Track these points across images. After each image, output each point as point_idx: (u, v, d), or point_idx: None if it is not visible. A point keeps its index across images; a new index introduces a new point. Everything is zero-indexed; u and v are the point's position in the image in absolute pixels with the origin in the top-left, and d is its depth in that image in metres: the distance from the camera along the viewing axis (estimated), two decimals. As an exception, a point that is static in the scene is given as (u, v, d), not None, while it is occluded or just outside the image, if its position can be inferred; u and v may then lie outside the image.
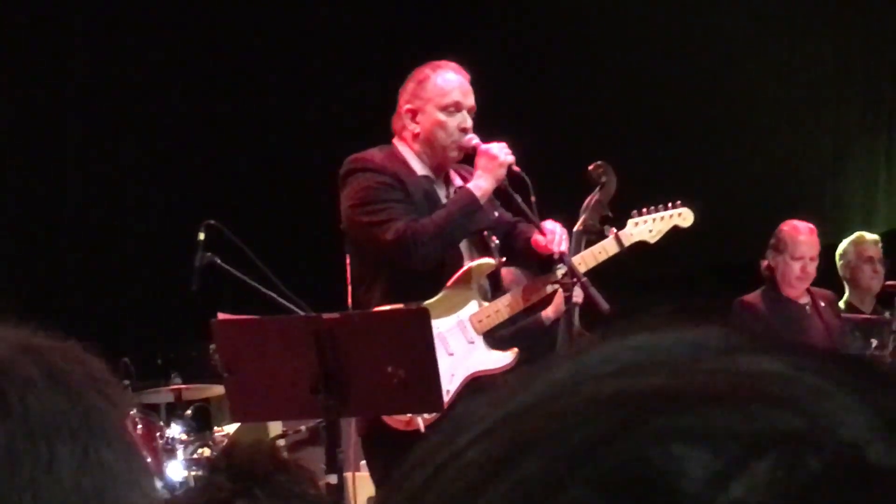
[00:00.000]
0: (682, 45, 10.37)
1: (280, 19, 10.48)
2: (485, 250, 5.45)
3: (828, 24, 10.42)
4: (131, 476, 1.10)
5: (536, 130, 8.90)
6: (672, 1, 10.52)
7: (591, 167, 5.74)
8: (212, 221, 6.18)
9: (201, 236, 6.15)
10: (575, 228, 5.69)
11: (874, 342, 7.15)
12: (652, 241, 5.76)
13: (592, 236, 5.65)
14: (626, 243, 5.65)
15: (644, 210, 5.78)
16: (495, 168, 5.31)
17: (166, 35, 10.27)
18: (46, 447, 1.06)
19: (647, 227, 5.74)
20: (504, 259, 5.52)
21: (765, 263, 7.43)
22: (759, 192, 10.04)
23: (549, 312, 5.98)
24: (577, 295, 5.50)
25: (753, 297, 7.40)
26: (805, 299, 7.35)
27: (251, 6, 10.51)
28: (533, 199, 5.38)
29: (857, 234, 8.07)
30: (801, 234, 7.33)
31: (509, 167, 5.35)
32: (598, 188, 5.71)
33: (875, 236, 8.08)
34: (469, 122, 5.40)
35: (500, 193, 5.47)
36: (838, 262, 7.88)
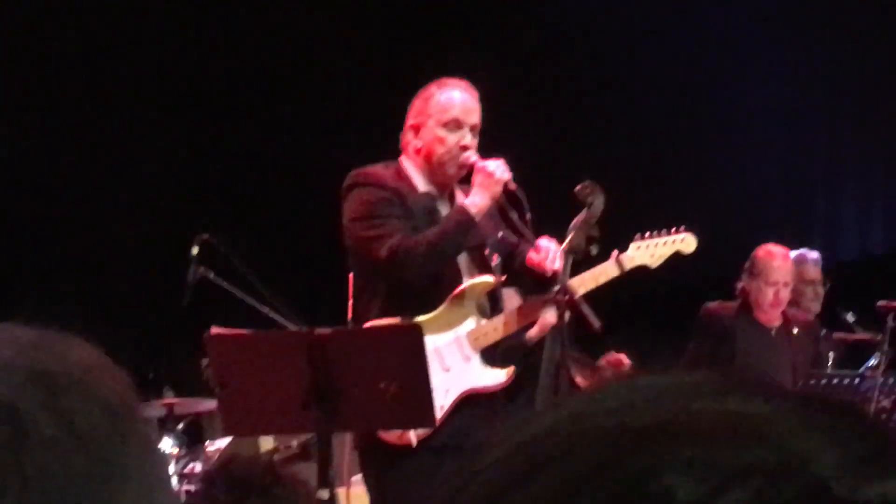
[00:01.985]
0: (675, 63, 10.39)
1: (279, 31, 10.48)
2: (485, 268, 5.47)
3: (820, 39, 10.43)
4: None
5: (532, 148, 8.90)
6: (666, 19, 10.53)
7: (577, 188, 5.74)
8: (205, 236, 6.18)
9: (195, 250, 6.15)
10: (561, 248, 5.70)
11: (872, 361, 7.13)
12: (653, 265, 5.77)
13: (578, 256, 5.65)
14: (627, 267, 5.66)
15: (647, 234, 5.78)
16: (491, 185, 5.33)
17: (162, 44, 10.27)
18: None
19: (648, 251, 5.75)
20: (504, 277, 5.53)
21: (740, 286, 7.43)
22: (750, 210, 10.04)
23: (532, 333, 6.00)
24: (562, 316, 5.50)
25: (724, 307, 7.40)
26: (776, 323, 7.34)
27: (250, 16, 10.50)
28: (528, 216, 5.40)
29: (798, 252, 7.88)
30: (775, 259, 7.32)
31: (505, 184, 5.36)
32: (585, 208, 5.71)
33: (816, 255, 7.96)
34: (468, 140, 5.42)
35: (496, 211, 5.48)
36: None
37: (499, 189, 5.35)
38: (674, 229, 5.85)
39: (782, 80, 10.46)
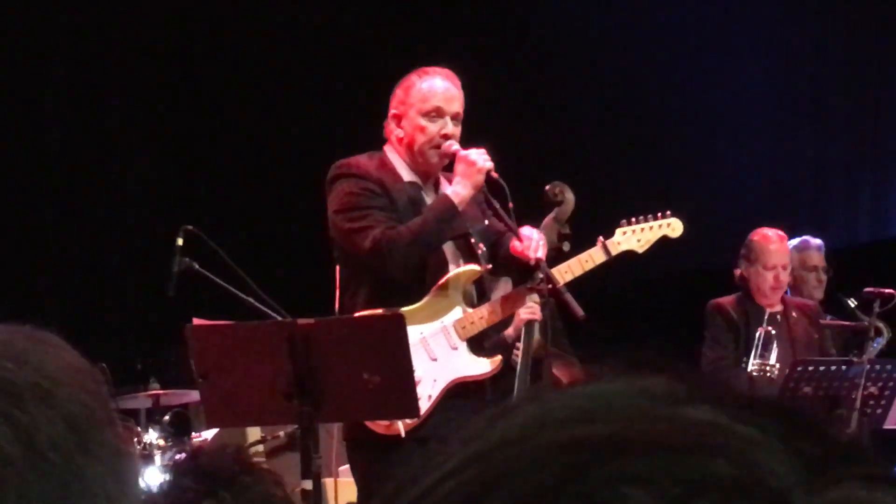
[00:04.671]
0: (663, 53, 10.38)
1: (263, 24, 10.47)
2: (471, 257, 5.47)
3: (809, 30, 10.43)
4: None
5: (515, 138, 8.90)
6: (654, 12, 10.52)
7: (547, 187, 5.75)
8: (190, 227, 6.18)
9: (179, 241, 6.14)
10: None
11: (875, 345, 7.13)
12: (640, 250, 5.77)
13: (551, 253, 5.65)
14: (613, 252, 5.67)
15: (633, 219, 5.79)
16: (473, 174, 5.32)
17: (149, 38, 10.26)
18: None
19: (635, 236, 5.75)
20: (490, 266, 5.52)
21: (738, 273, 7.41)
22: (737, 200, 10.04)
23: (510, 331, 5.99)
24: (536, 312, 5.50)
25: (727, 300, 7.38)
26: (777, 308, 7.32)
27: (233, 12, 10.49)
28: (510, 205, 5.40)
29: (801, 239, 7.87)
30: (771, 243, 7.30)
31: (488, 173, 5.35)
32: (555, 207, 5.72)
33: (819, 241, 7.93)
34: (450, 128, 5.41)
35: (481, 199, 5.47)
36: None
37: (481, 178, 5.34)
38: (659, 214, 5.85)
39: (768, 68, 10.46)
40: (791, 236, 7.62)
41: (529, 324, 5.51)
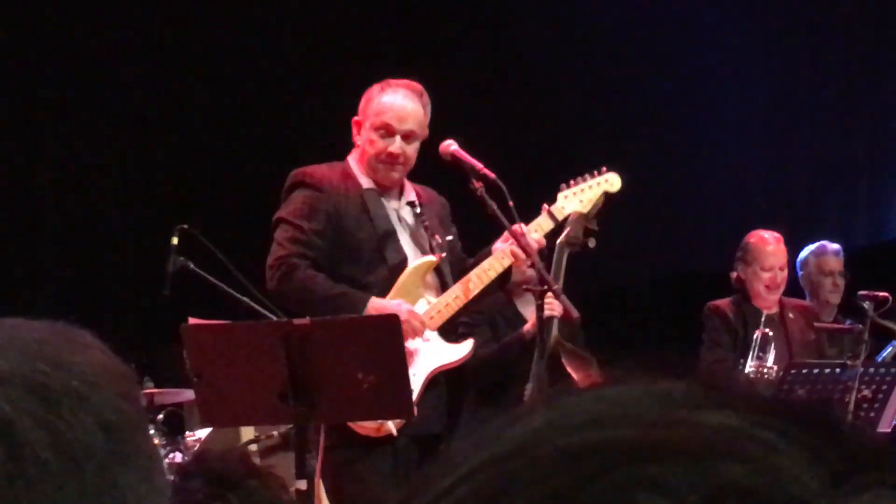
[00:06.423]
0: (660, 53, 10.38)
1: (257, 24, 10.46)
2: (427, 248, 5.47)
3: (804, 30, 10.43)
4: None
5: (510, 138, 8.90)
6: (653, 14, 10.51)
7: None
8: (185, 226, 6.17)
9: (175, 241, 6.13)
10: (558, 241, 5.71)
11: (889, 349, 7.14)
12: (584, 210, 5.76)
13: (576, 248, 5.66)
14: (560, 217, 5.71)
15: (571, 182, 5.79)
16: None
17: (141, 38, 10.25)
18: None
19: (577, 197, 5.77)
20: (444, 255, 5.50)
21: (734, 275, 7.43)
22: (734, 204, 10.03)
23: (528, 327, 6.00)
24: (557, 308, 5.52)
25: (724, 302, 7.40)
26: (774, 310, 7.33)
27: (224, 14, 10.48)
28: (511, 203, 5.39)
29: (818, 244, 7.94)
30: (768, 244, 7.33)
31: (485, 175, 5.36)
32: None
33: (836, 246, 7.96)
34: (397, 147, 5.39)
35: (474, 199, 5.46)
36: (799, 272, 7.80)
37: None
38: (596, 172, 5.86)
39: (767, 71, 10.46)
40: (788, 239, 7.63)
41: (548, 320, 5.53)
